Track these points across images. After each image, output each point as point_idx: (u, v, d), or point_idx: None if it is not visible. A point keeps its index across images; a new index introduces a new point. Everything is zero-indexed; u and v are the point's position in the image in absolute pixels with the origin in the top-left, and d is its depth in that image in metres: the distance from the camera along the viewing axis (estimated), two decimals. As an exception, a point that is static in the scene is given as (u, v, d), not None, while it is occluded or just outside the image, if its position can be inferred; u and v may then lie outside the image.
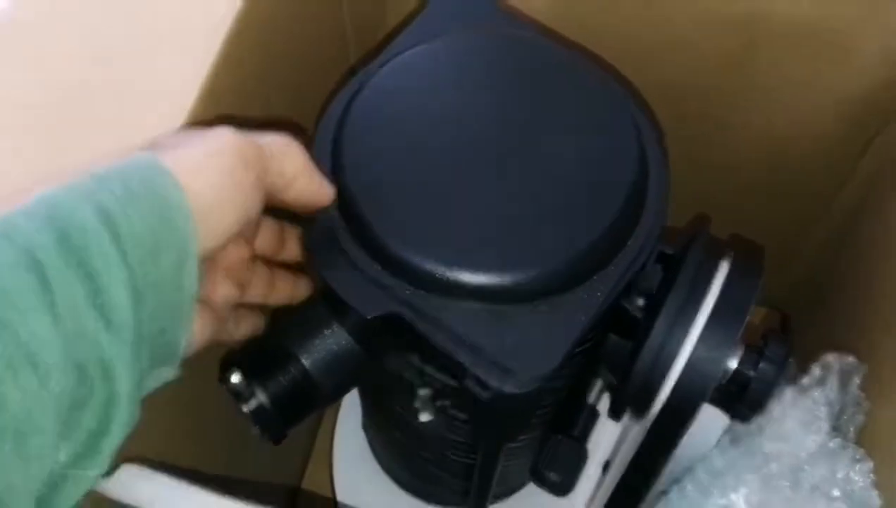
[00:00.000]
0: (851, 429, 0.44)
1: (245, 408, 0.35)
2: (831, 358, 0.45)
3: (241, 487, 0.52)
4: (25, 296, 0.23)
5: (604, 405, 0.42)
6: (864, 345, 0.47)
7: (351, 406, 0.64)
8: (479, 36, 0.41)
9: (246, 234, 0.35)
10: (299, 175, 0.33)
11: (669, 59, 0.52)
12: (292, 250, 0.39)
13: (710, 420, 0.39)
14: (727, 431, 0.44)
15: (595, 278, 0.35)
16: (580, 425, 0.40)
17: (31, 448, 0.22)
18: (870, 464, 0.41)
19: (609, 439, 0.52)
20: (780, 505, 0.42)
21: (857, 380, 0.44)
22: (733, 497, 0.43)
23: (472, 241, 0.34)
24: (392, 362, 0.39)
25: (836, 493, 0.42)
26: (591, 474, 0.54)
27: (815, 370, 0.44)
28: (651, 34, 0.51)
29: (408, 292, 0.34)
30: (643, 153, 0.37)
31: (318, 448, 0.70)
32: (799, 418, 0.43)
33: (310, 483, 0.69)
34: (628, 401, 0.38)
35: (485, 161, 0.36)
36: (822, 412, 0.43)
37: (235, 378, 0.35)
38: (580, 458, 0.39)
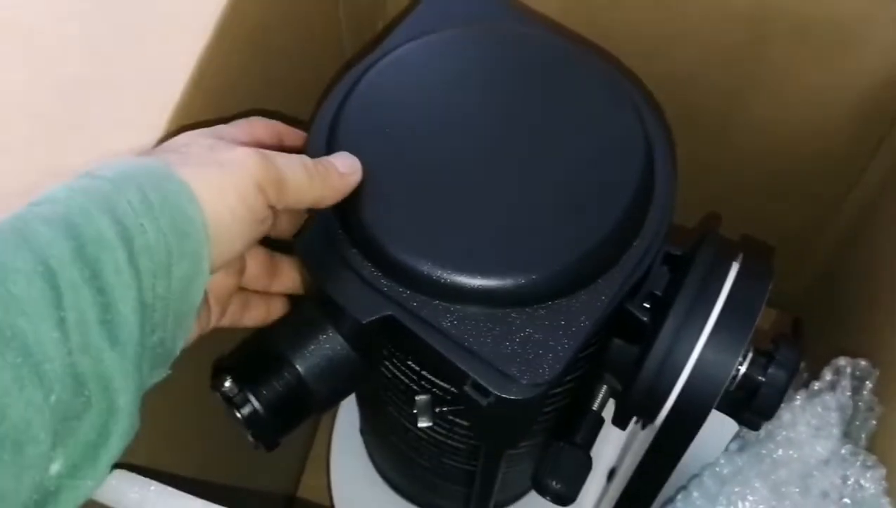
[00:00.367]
0: (863, 435, 0.43)
1: (238, 414, 0.34)
2: (843, 362, 0.44)
3: (235, 494, 0.51)
4: (38, 306, 0.23)
5: (608, 411, 0.41)
6: (877, 349, 0.46)
7: (348, 411, 0.63)
8: (479, 30, 0.40)
9: (236, 264, 0.35)
10: (321, 200, 0.32)
11: (677, 54, 0.51)
12: (284, 282, 0.37)
13: (717, 426, 0.38)
14: (735, 437, 0.43)
15: (599, 280, 0.34)
16: (584, 432, 0.39)
17: (27, 457, 0.23)
18: (882, 471, 0.40)
19: (614, 446, 0.51)
20: (788, 513, 0.41)
21: (869, 385, 0.44)
22: (741, 504, 0.42)
23: (471, 243, 0.33)
24: (389, 367, 0.38)
25: (846, 500, 0.41)
26: (595, 482, 0.53)
27: (827, 375, 0.44)
28: (658, 29, 0.50)
29: (404, 295, 0.33)
30: (650, 151, 0.36)
31: (314, 454, 0.69)
32: (809, 423, 0.42)
33: (306, 490, 0.68)
34: (634, 408, 0.37)
35: (485, 160, 0.35)
36: (833, 417, 0.42)
37: (228, 384, 0.34)
38: (584, 466, 0.38)
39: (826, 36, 0.47)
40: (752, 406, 0.37)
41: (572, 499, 0.38)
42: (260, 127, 0.35)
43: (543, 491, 0.38)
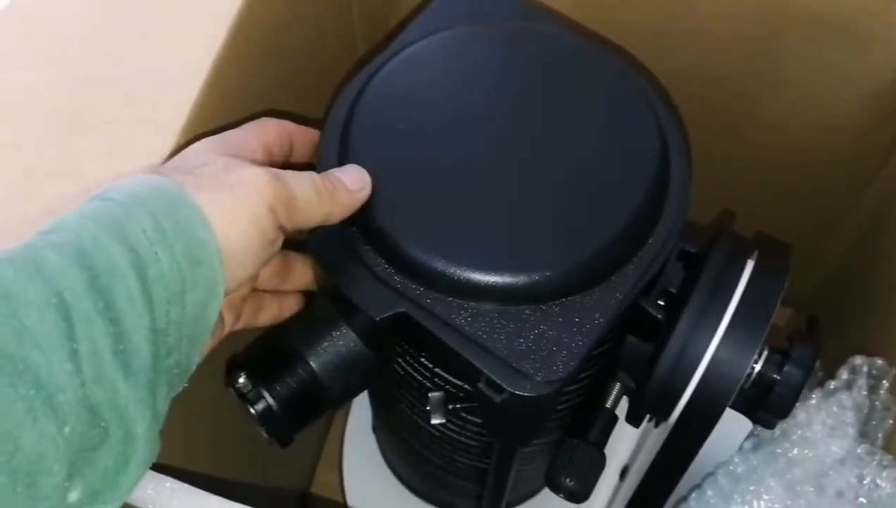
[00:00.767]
0: (879, 435, 0.43)
1: (252, 410, 0.34)
2: (860, 361, 0.43)
3: (250, 490, 0.51)
4: (51, 338, 0.23)
5: (622, 408, 0.41)
6: (894, 348, 0.45)
7: (361, 409, 0.63)
8: (492, 28, 0.39)
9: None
10: (329, 218, 0.32)
11: (690, 51, 0.50)
12: (297, 281, 0.37)
13: (732, 424, 0.38)
14: (750, 435, 0.42)
15: (613, 277, 0.34)
16: (597, 429, 0.39)
17: (41, 488, 0.23)
18: (899, 471, 0.40)
19: (627, 444, 0.51)
20: (802, 512, 0.41)
21: (886, 384, 0.43)
22: (755, 503, 0.42)
23: (485, 239, 0.33)
24: (402, 364, 0.38)
25: (861, 500, 0.41)
26: (607, 480, 0.52)
27: (843, 374, 0.43)
28: (673, 25, 0.50)
29: (418, 292, 0.33)
30: (665, 147, 0.36)
31: (327, 450, 0.70)
32: (825, 422, 0.42)
33: (319, 486, 0.68)
34: (648, 405, 0.37)
35: (498, 157, 0.35)
36: (850, 416, 0.42)
37: (242, 380, 0.34)
38: (597, 464, 0.38)
39: (839, 33, 0.46)
40: (767, 405, 0.36)
41: (585, 497, 0.38)
42: (271, 128, 0.35)
43: (557, 489, 0.38)
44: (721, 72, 0.52)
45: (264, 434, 0.35)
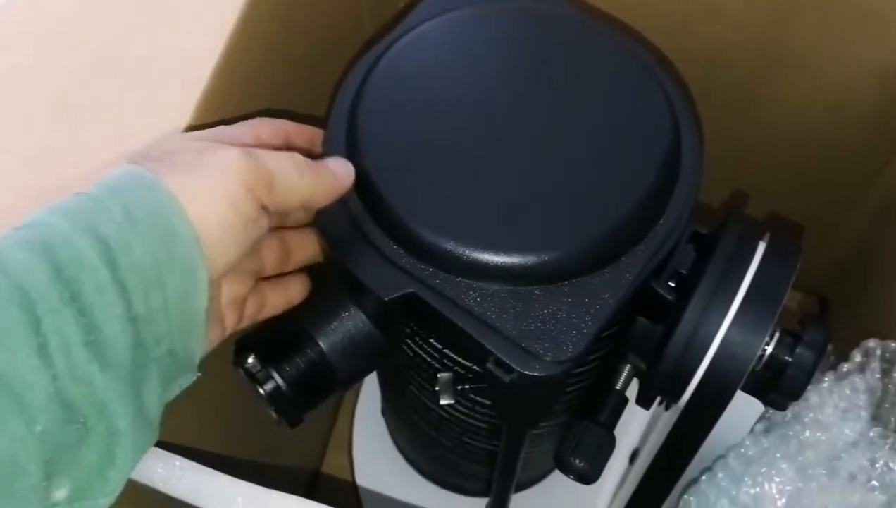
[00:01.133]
0: (892, 418, 0.42)
1: (261, 390, 0.34)
2: (873, 344, 0.43)
3: (259, 470, 0.51)
4: (15, 336, 0.22)
5: (632, 391, 0.41)
6: (908, 330, 0.45)
7: (371, 390, 0.63)
8: (500, 7, 0.39)
9: (246, 267, 0.33)
10: (312, 198, 0.31)
11: (701, 30, 0.50)
12: (297, 259, 0.36)
13: (743, 407, 0.38)
14: (761, 418, 0.42)
15: (623, 258, 0.33)
16: (607, 411, 0.39)
17: (17, 490, 0.22)
18: (912, 454, 0.39)
19: (637, 427, 0.51)
20: (813, 494, 0.41)
21: (899, 367, 0.43)
22: (766, 485, 0.41)
23: (494, 220, 0.33)
24: (411, 345, 0.38)
25: (874, 483, 0.40)
26: (617, 463, 0.52)
27: (856, 356, 0.43)
28: (682, 5, 0.49)
29: (427, 272, 0.33)
30: (676, 127, 0.36)
31: (337, 432, 0.70)
32: (837, 405, 0.41)
33: (329, 468, 0.69)
34: (658, 387, 0.37)
35: (507, 137, 0.35)
36: (862, 399, 0.41)
37: (251, 360, 0.34)
38: (607, 445, 0.38)
39: (852, 11, 0.46)
40: (779, 387, 0.36)
41: (595, 478, 0.38)
42: (266, 128, 0.34)
43: (566, 470, 0.38)
44: (733, 52, 0.51)
45: (273, 414, 0.35)
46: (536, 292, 0.32)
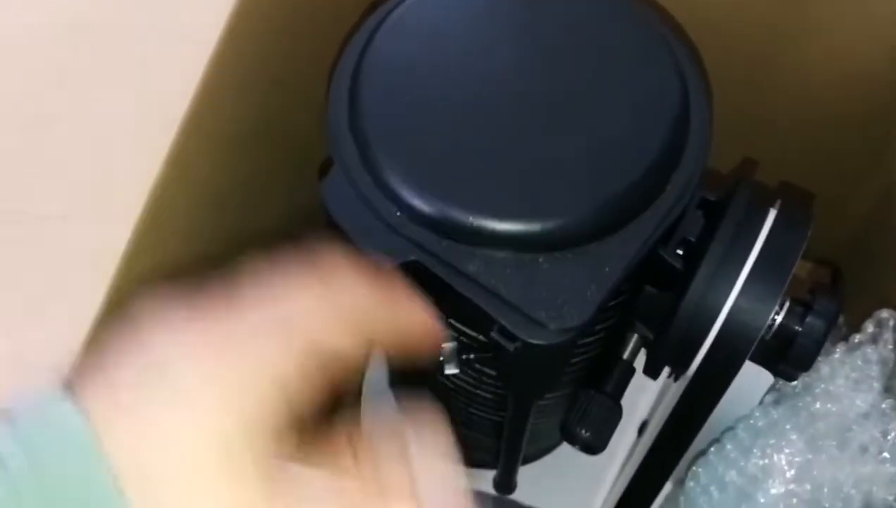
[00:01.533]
0: (905, 390, 0.42)
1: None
2: (885, 314, 0.42)
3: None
4: None
5: (640, 362, 0.40)
6: (922, 301, 0.44)
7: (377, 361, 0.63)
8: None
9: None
10: None
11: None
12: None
13: (752, 378, 0.37)
14: (771, 389, 0.42)
15: (631, 225, 0.33)
16: (614, 381, 0.39)
17: None
18: (925, 426, 0.39)
19: (646, 400, 0.51)
20: (824, 466, 0.41)
21: (912, 338, 0.42)
22: (776, 457, 0.41)
23: (498, 186, 0.32)
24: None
25: (885, 454, 0.40)
26: (626, 436, 0.52)
27: (868, 327, 0.42)
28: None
29: (430, 239, 0.32)
30: (685, 91, 0.35)
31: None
32: (849, 376, 0.41)
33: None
34: (666, 357, 0.37)
35: (514, 102, 0.34)
36: (874, 370, 0.41)
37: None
38: (613, 415, 0.38)
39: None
40: (789, 357, 0.36)
41: (601, 448, 0.38)
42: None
43: (572, 440, 0.37)
44: (746, 20, 0.50)
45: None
46: (541, 259, 0.32)
